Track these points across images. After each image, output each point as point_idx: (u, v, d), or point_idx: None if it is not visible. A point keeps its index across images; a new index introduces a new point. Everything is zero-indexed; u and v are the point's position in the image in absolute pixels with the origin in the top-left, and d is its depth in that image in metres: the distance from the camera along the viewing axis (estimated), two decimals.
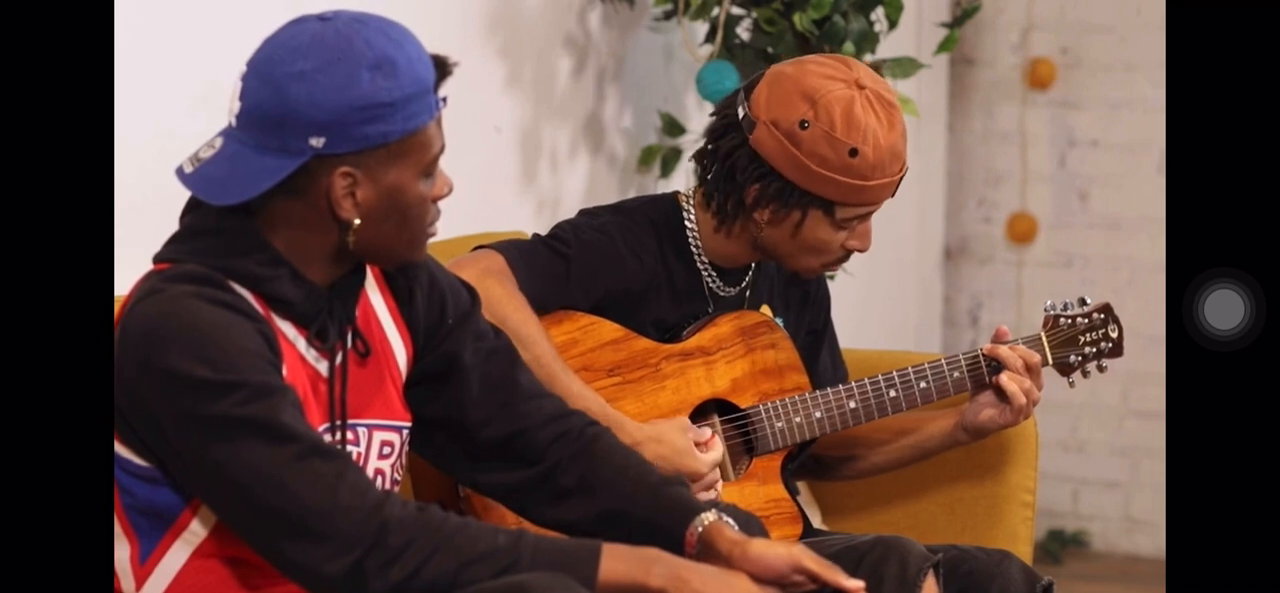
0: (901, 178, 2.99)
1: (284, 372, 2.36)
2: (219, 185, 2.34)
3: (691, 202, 3.08)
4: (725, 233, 3.04)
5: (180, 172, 2.37)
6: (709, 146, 3.03)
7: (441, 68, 2.40)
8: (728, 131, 3.01)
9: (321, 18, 2.36)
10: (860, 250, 3.03)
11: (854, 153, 2.92)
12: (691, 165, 3.15)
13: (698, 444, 2.92)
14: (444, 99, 2.40)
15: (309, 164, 2.33)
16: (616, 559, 2.34)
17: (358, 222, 2.37)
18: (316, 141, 2.32)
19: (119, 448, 2.37)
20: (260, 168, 2.32)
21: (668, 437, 2.89)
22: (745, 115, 2.98)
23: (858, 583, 2.40)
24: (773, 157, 2.95)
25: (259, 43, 2.39)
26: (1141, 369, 5.31)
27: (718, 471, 2.95)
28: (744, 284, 3.13)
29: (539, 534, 2.34)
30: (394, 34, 2.36)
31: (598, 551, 2.34)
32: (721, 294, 3.10)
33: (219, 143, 2.37)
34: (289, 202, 2.37)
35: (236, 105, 2.35)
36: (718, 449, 2.94)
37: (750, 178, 2.97)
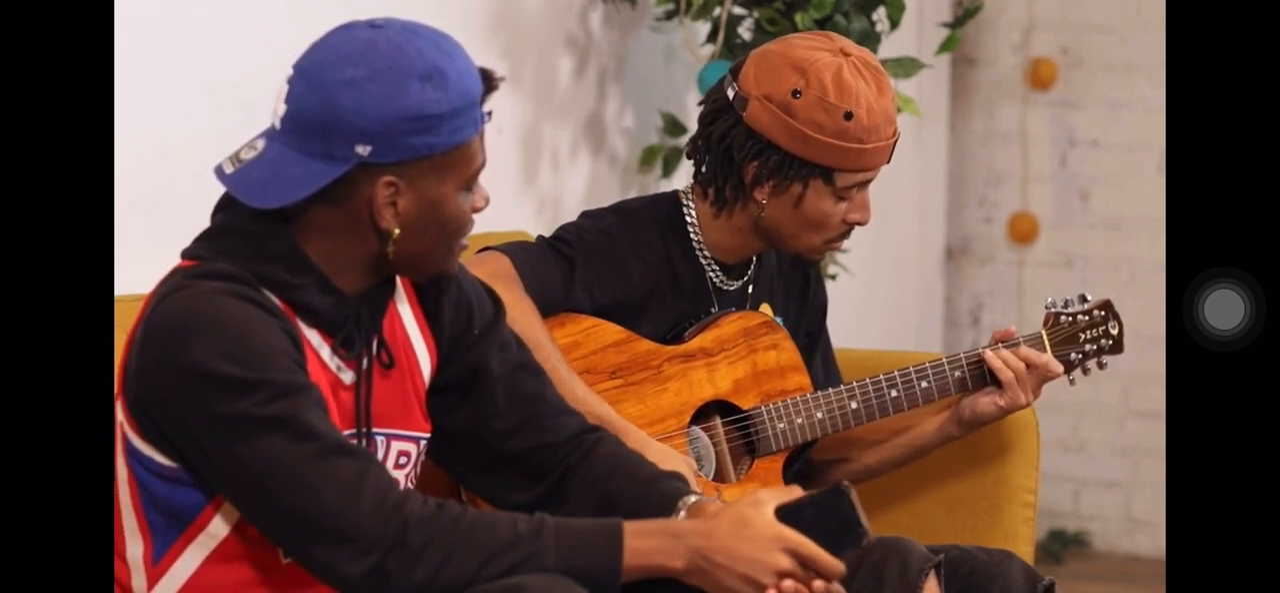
0: (895, 142, 3.00)
1: (308, 372, 2.36)
2: (260, 188, 2.33)
3: (691, 197, 3.09)
4: (726, 219, 3.04)
5: (220, 171, 2.36)
6: (702, 134, 3.04)
7: (488, 81, 2.39)
8: (720, 115, 3.01)
9: (372, 25, 2.35)
10: (861, 223, 3.03)
11: (848, 116, 2.93)
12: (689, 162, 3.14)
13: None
14: (489, 113, 2.40)
15: (352, 172, 2.32)
16: (639, 538, 2.33)
17: (397, 232, 2.37)
18: (362, 150, 2.31)
19: (142, 446, 2.37)
20: (303, 173, 2.32)
21: (669, 457, 2.88)
22: (736, 95, 2.99)
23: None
24: (769, 130, 2.96)
25: (308, 47, 2.37)
26: (1142, 369, 5.31)
27: None
28: (746, 278, 3.13)
29: (558, 520, 2.34)
30: (445, 46, 2.35)
31: (620, 533, 2.33)
32: (724, 288, 3.10)
33: (261, 145, 2.36)
34: (328, 209, 2.36)
35: (281, 108, 2.34)
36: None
37: (748, 155, 2.98)
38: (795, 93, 2.94)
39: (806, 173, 2.96)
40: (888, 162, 3.01)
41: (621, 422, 2.89)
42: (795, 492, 2.38)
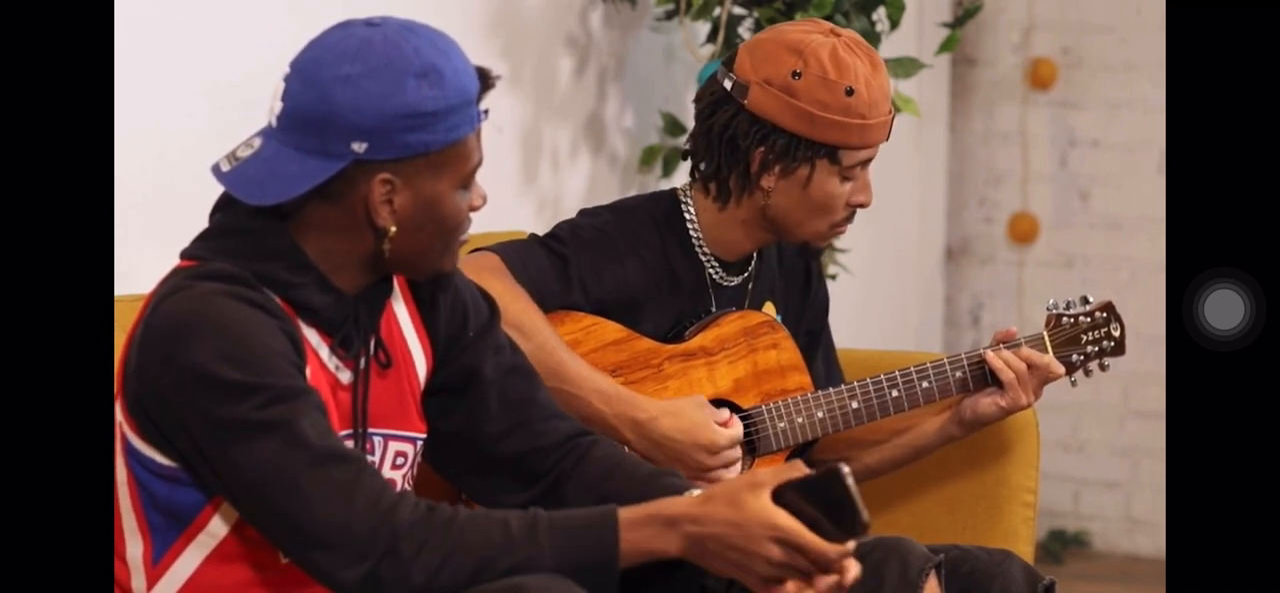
0: (893, 119, 3.02)
1: (307, 374, 2.36)
2: (256, 186, 2.33)
3: (690, 194, 3.09)
4: (730, 213, 3.04)
5: (217, 169, 2.37)
6: (702, 129, 3.04)
7: (484, 80, 2.39)
8: (720, 107, 3.02)
9: (369, 23, 2.35)
10: (864, 205, 3.04)
11: (850, 91, 2.94)
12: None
13: (717, 424, 2.93)
14: (486, 111, 2.40)
15: (348, 169, 2.33)
16: (634, 529, 2.32)
17: (393, 229, 2.37)
18: (358, 147, 2.31)
19: (141, 446, 2.37)
20: (299, 170, 2.32)
21: (685, 411, 2.90)
22: (735, 84, 3.00)
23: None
24: (772, 113, 2.97)
25: (304, 45, 2.37)
26: (1142, 369, 5.31)
27: (738, 448, 2.95)
28: (746, 275, 3.13)
29: (552, 516, 2.33)
30: (441, 44, 2.35)
31: (615, 526, 2.32)
32: (724, 285, 3.10)
33: (258, 143, 2.36)
34: (324, 207, 2.36)
35: (278, 106, 2.34)
36: (737, 428, 2.93)
37: (754, 142, 2.98)
38: (795, 74, 2.95)
39: (813, 153, 2.97)
40: (887, 138, 3.02)
41: (629, 393, 2.89)
42: (797, 469, 2.35)
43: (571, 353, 2.90)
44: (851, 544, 2.33)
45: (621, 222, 3.05)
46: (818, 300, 3.27)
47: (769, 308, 3.17)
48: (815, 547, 2.30)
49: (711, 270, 3.09)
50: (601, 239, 3.01)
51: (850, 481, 2.29)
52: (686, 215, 3.08)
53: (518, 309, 2.85)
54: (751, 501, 2.31)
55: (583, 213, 3.09)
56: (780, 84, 2.96)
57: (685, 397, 2.95)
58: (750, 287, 3.15)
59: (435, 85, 2.32)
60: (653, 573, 2.37)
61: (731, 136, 2.99)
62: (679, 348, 3.04)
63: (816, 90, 2.95)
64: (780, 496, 2.32)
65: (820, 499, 2.31)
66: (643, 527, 2.32)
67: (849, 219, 3.06)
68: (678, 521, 2.32)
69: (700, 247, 3.08)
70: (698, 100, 3.08)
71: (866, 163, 3.02)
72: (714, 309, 3.10)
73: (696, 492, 2.46)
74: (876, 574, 2.77)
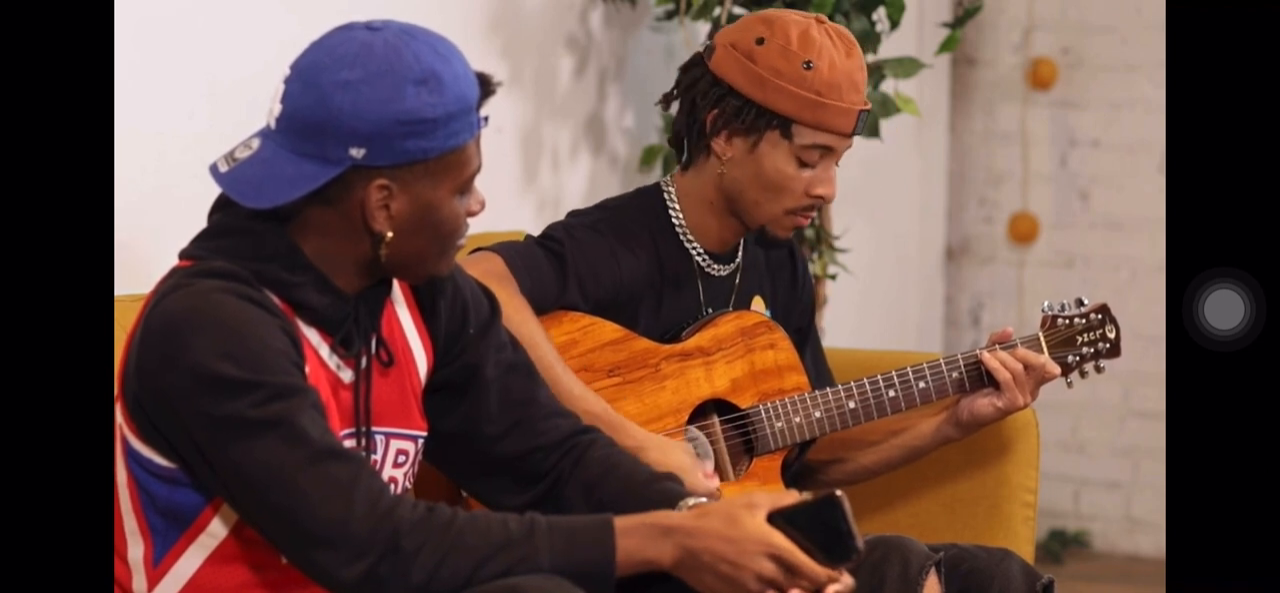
0: (862, 113, 2.99)
1: (307, 372, 2.36)
2: (254, 187, 2.33)
3: (672, 183, 3.10)
4: (695, 186, 3.05)
5: (214, 170, 2.36)
6: (675, 89, 3.07)
7: (485, 86, 2.39)
8: (692, 68, 3.05)
9: (370, 27, 2.35)
10: (825, 198, 3.02)
11: (808, 65, 2.95)
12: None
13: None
14: (485, 118, 2.40)
15: (345, 174, 2.32)
16: (629, 536, 2.33)
17: (390, 234, 2.37)
18: (356, 152, 2.31)
19: (142, 447, 2.37)
20: (297, 174, 2.32)
21: (670, 449, 2.89)
22: (707, 46, 3.03)
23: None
24: (729, 75, 2.99)
25: (305, 47, 2.37)
26: (1142, 369, 5.31)
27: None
28: (734, 266, 3.14)
29: (550, 519, 2.34)
30: (442, 49, 2.35)
31: (611, 531, 2.33)
32: (713, 274, 3.10)
33: (256, 144, 2.36)
34: (322, 210, 2.36)
35: (277, 108, 2.34)
36: (713, 482, 2.92)
37: (710, 102, 3.00)
38: (759, 40, 2.98)
39: (763, 121, 2.98)
40: (852, 131, 2.99)
41: (619, 419, 2.89)
42: (792, 496, 2.37)
43: (568, 371, 2.90)
44: (841, 574, 2.34)
45: (612, 219, 3.05)
46: (805, 296, 3.27)
47: (758, 303, 3.17)
48: (807, 565, 2.32)
49: (699, 259, 3.09)
50: (595, 238, 3.02)
51: (846, 507, 2.31)
52: (670, 205, 3.09)
53: (520, 321, 2.85)
54: (747, 517, 2.34)
55: (572, 214, 3.09)
56: (744, 49, 2.98)
57: (674, 442, 2.94)
58: (738, 279, 3.15)
59: (434, 92, 2.32)
60: (646, 583, 2.38)
61: (693, 96, 3.03)
62: (676, 348, 3.05)
63: (774, 58, 2.96)
64: (774, 520, 2.34)
65: (815, 525, 2.33)
66: (638, 534, 2.34)
67: (809, 210, 3.04)
68: (673, 531, 2.34)
69: (685, 236, 3.09)
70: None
71: (827, 151, 3.00)
72: (703, 299, 3.10)
73: (691, 501, 2.46)
74: (877, 573, 2.77)
